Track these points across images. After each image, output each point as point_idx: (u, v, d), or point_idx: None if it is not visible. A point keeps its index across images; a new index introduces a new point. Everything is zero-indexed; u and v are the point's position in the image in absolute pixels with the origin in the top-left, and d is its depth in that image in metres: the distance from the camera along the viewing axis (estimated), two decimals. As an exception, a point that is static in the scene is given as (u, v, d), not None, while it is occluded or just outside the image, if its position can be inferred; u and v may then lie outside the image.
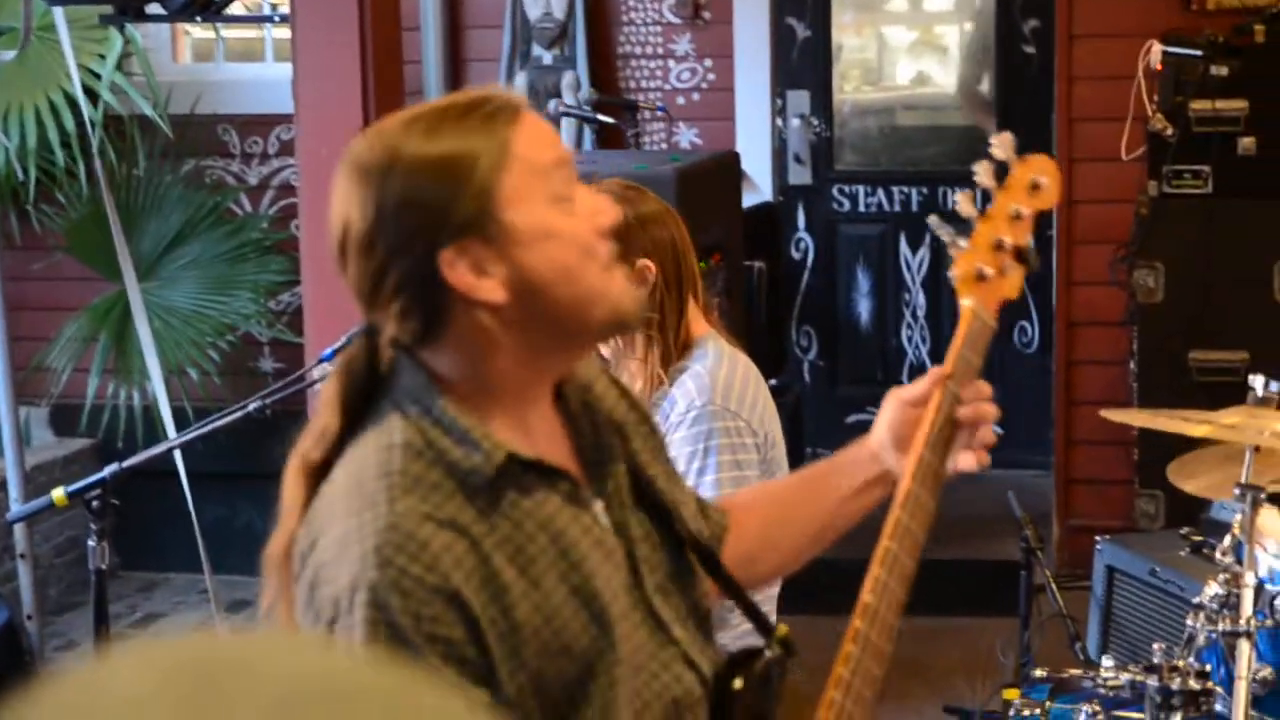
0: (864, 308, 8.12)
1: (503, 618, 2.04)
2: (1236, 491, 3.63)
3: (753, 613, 2.42)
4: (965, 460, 2.49)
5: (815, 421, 7.68)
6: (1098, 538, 5.14)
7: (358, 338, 2.17)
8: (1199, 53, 6.19)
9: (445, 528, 2.03)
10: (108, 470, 3.98)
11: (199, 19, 5.10)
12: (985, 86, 8.01)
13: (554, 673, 2.07)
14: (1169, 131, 6.23)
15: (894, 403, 2.54)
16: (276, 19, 7.01)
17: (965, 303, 2.49)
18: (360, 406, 2.14)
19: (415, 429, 2.08)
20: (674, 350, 3.65)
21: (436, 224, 2.06)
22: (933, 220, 2.56)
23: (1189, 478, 3.95)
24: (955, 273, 2.48)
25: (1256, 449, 3.61)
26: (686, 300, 3.69)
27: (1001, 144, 2.50)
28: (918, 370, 7.99)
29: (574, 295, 2.12)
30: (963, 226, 2.46)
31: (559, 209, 2.11)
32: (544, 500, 2.13)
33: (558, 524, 2.13)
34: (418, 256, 2.06)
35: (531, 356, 2.14)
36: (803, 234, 8.11)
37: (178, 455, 5.50)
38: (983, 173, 2.50)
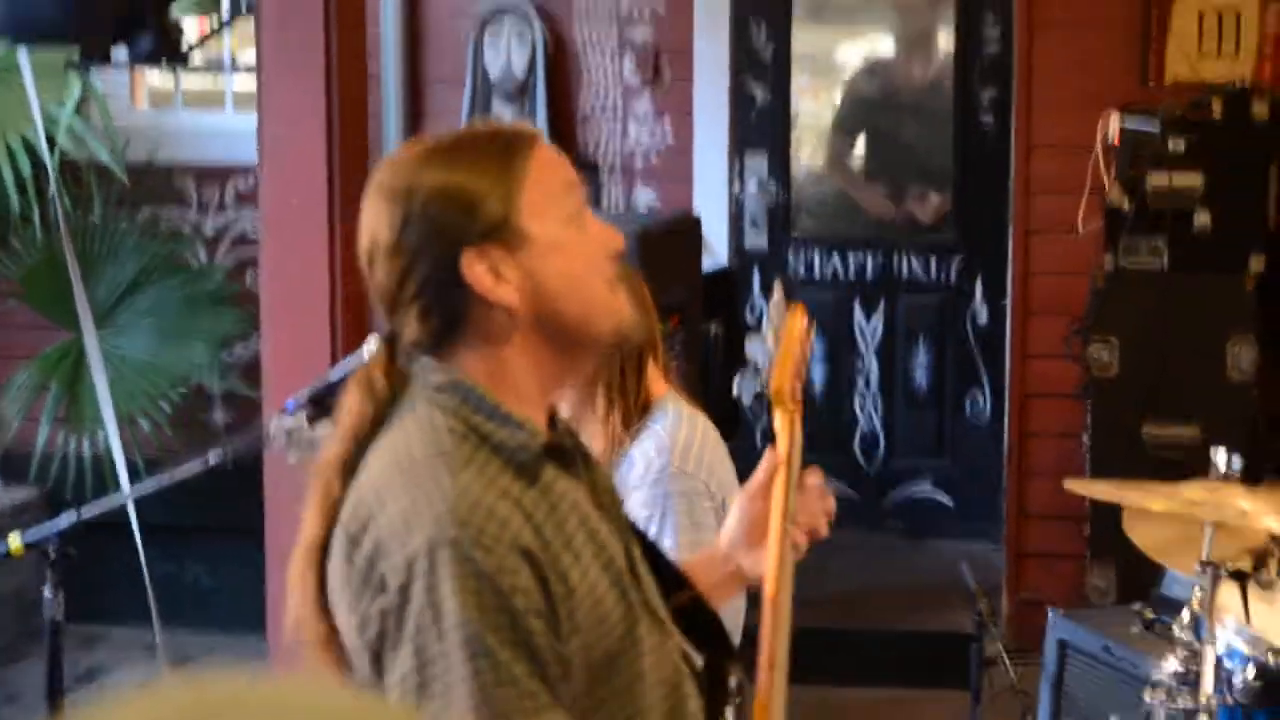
0: (817, 374, 8.13)
1: (560, 582, 2.16)
2: (1198, 568, 3.66)
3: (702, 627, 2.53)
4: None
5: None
6: (1049, 611, 5.15)
7: (379, 346, 2.32)
8: (1157, 126, 6.25)
9: (504, 498, 2.16)
10: (65, 520, 3.94)
11: (164, 66, 5.10)
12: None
13: (595, 641, 2.20)
14: (1125, 205, 6.28)
15: (740, 500, 2.70)
16: (242, 68, 7.03)
17: (782, 412, 2.68)
18: (383, 410, 2.27)
19: (455, 416, 2.22)
20: (634, 411, 3.66)
21: (460, 226, 2.22)
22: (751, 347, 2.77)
23: (1140, 529, 3.96)
24: (773, 387, 2.67)
25: (1217, 525, 3.64)
26: (647, 361, 3.70)
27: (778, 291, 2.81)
28: (869, 438, 8.00)
29: (581, 305, 2.29)
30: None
31: (572, 226, 2.29)
32: (570, 485, 2.28)
33: (583, 508, 2.27)
34: (440, 257, 2.22)
35: (541, 362, 2.29)
36: (758, 299, 8.13)
37: (130, 507, 5.47)
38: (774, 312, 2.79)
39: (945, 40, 8.01)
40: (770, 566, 2.55)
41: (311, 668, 2.28)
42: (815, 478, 2.70)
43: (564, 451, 2.31)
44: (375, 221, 2.26)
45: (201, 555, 7.30)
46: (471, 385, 2.23)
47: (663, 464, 3.57)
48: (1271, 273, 6.35)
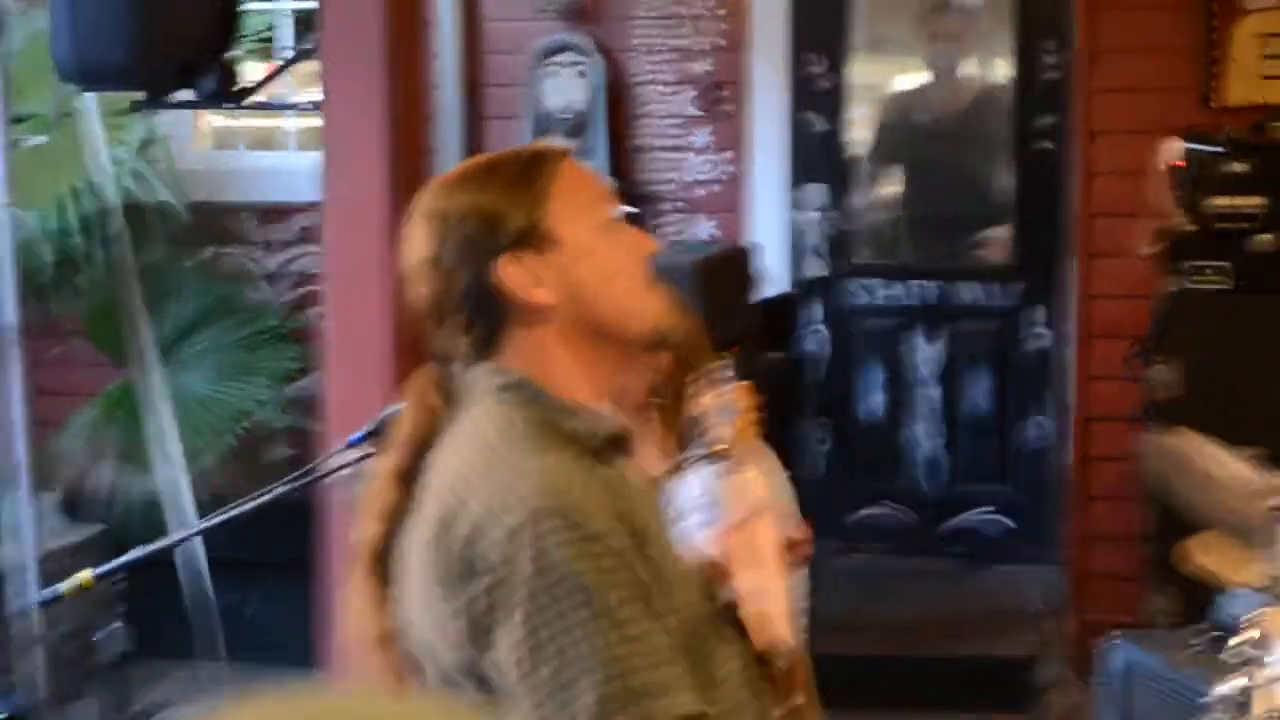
0: (878, 401, 8.13)
1: (641, 552, 2.23)
2: (1260, 584, 3.64)
3: None
4: None
5: (828, 515, 7.69)
6: (1111, 633, 5.14)
7: (429, 364, 2.43)
8: (1218, 149, 6.24)
9: (591, 475, 2.25)
10: (133, 554, 3.99)
11: (227, 106, 5.16)
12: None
13: (678, 623, 2.26)
14: (1188, 227, 6.27)
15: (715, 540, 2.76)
16: (308, 106, 7.08)
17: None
18: (439, 421, 2.37)
19: (526, 410, 2.31)
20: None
21: (492, 235, 2.33)
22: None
23: (1205, 554, 3.96)
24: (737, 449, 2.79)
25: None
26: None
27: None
28: (930, 465, 8.00)
29: (616, 306, 2.37)
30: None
31: (603, 232, 2.39)
32: (627, 475, 2.37)
33: (638, 496, 2.34)
34: (476, 267, 2.33)
35: (586, 361, 2.37)
36: (819, 326, 8.14)
37: (198, 543, 5.51)
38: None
39: (1004, 67, 8.02)
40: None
41: (369, 672, 2.34)
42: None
43: (627, 443, 2.40)
44: (414, 243, 2.39)
45: (262, 591, 7.32)
46: (535, 382, 2.32)
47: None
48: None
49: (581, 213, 2.36)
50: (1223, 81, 6.73)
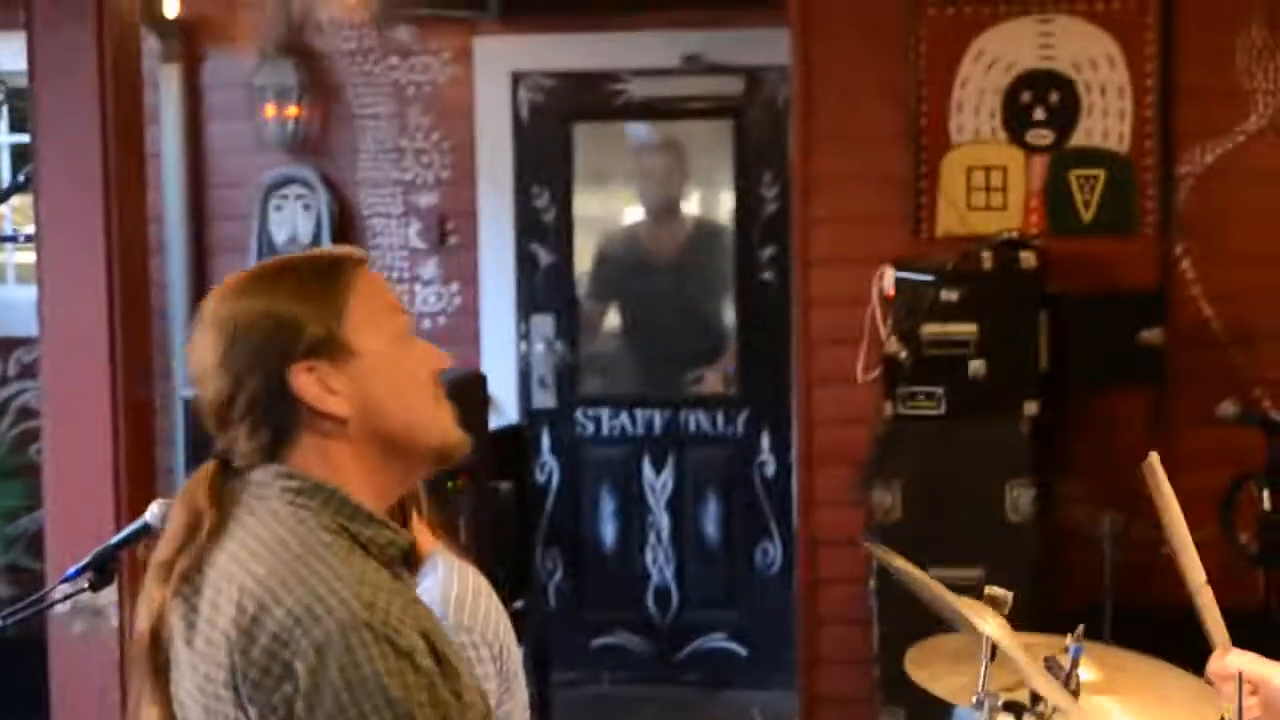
0: (609, 530, 8.18)
1: (442, 672, 2.19)
2: (974, 700, 3.72)
3: None
4: None
5: (562, 645, 7.70)
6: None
7: (210, 460, 2.35)
8: (930, 278, 6.41)
9: (392, 587, 2.21)
10: None
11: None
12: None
13: None
14: (903, 354, 6.41)
15: None
16: (21, 239, 7.00)
17: None
18: (216, 521, 2.29)
19: (321, 516, 2.26)
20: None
21: (286, 343, 2.28)
22: None
23: (923, 670, 4.02)
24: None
25: (993, 652, 3.70)
26: (411, 516, 3.71)
27: None
28: (662, 593, 8.05)
29: (407, 417, 2.33)
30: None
31: (397, 343, 2.34)
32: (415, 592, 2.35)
33: (431, 615, 2.29)
34: (268, 373, 2.28)
35: (373, 471, 2.33)
36: (547, 457, 8.18)
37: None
38: None
39: (726, 200, 8.19)
40: None
41: None
42: None
43: (415, 558, 2.39)
44: (201, 347, 2.32)
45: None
46: (334, 488, 2.27)
47: (441, 618, 3.56)
48: (1046, 416, 6.51)
49: (378, 324, 2.33)
50: (933, 213, 6.92)
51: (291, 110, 7.97)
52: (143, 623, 2.28)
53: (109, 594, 5.55)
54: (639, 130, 8.38)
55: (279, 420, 2.29)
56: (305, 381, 2.27)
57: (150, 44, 7.60)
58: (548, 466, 8.19)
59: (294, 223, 8.03)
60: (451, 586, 3.59)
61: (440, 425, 2.37)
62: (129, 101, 5.76)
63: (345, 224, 8.06)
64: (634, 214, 8.45)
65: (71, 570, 3.81)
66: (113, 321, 5.63)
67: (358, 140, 8.09)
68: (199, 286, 8.08)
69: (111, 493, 5.62)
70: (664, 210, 8.31)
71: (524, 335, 8.09)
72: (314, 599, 2.14)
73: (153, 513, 3.91)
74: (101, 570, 3.81)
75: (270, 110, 7.96)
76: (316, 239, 7.98)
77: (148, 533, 3.93)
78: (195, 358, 2.33)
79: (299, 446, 2.30)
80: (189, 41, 8.07)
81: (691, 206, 8.38)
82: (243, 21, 8.06)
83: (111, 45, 5.64)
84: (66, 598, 3.92)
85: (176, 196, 8.02)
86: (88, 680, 5.65)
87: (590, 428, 8.18)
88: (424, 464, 2.43)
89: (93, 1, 5.59)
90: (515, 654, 3.71)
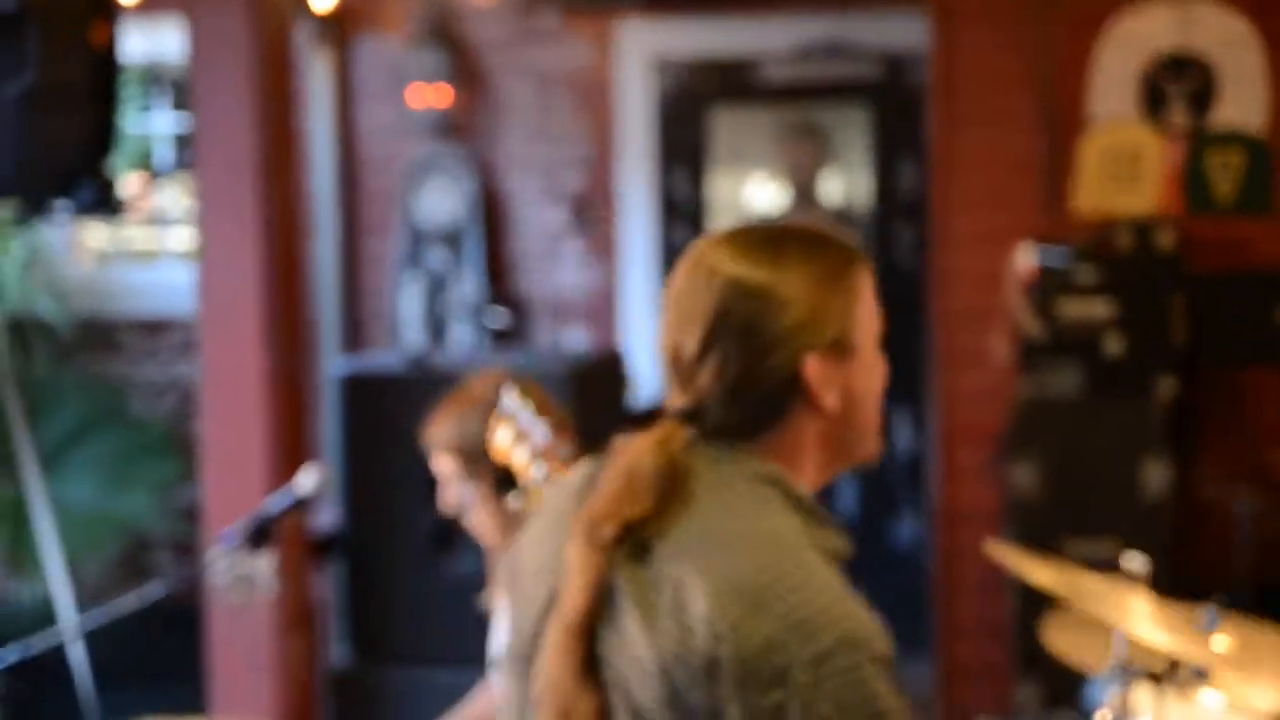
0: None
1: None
2: (1110, 670, 3.77)
3: None
4: None
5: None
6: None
7: (668, 421, 2.27)
8: (1067, 258, 6.43)
9: (857, 599, 2.18)
10: (13, 654, 4.01)
11: (104, 219, 5.23)
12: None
13: None
14: (1039, 333, 6.44)
15: None
16: (181, 222, 7.16)
17: None
18: (674, 487, 2.22)
19: (787, 515, 2.23)
20: None
21: (815, 328, 2.25)
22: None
23: (1060, 638, 4.07)
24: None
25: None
26: None
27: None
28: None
29: (866, 423, 2.33)
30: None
31: (876, 350, 2.35)
32: None
33: None
34: (790, 352, 2.25)
35: (818, 470, 2.32)
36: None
37: (79, 647, 5.52)
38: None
39: (866, 180, 8.23)
40: None
41: None
42: None
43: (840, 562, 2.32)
44: (729, 305, 2.27)
45: (149, 698, 7.31)
46: (794, 485, 2.25)
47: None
48: (1181, 395, 6.52)
49: (869, 326, 2.32)
50: (1069, 193, 6.94)
51: (439, 94, 8.09)
52: (579, 592, 2.19)
53: (265, 562, 5.71)
54: (780, 117, 8.43)
55: (773, 401, 2.26)
56: (816, 371, 2.25)
57: (302, 30, 7.75)
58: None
59: (441, 202, 8.15)
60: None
61: (877, 436, 2.36)
62: (281, 86, 5.91)
63: (490, 205, 8.17)
64: (770, 198, 8.50)
65: (230, 538, 3.94)
66: (267, 299, 5.78)
67: (502, 123, 8.20)
68: (349, 265, 8.23)
69: (265, 465, 5.76)
70: (805, 194, 8.35)
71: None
72: (812, 608, 2.11)
73: (306, 480, 4.05)
74: (258, 536, 3.93)
75: (418, 94, 8.09)
76: (464, 218, 8.10)
77: (301, 500, 4.07)
78: (714, 311, 2.26)
79: (775, 431, 2.27)
80: (340, 26, 8.22)
81: (829, 190, 8.42)
82: (391, 9, 8.20)
83: (265, 31, 5.78)
84: (225, 565, 4.05)
85: (327, 178, 8.17)
86: (242, 648, 5.80)
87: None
88: (850, 467, 2.40)
89: (248, -10, 5.74)
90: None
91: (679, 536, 2.18)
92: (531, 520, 2.38)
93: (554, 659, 2.19)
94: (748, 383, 2.24)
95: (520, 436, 2.92)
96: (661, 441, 2.23)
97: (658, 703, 2.12)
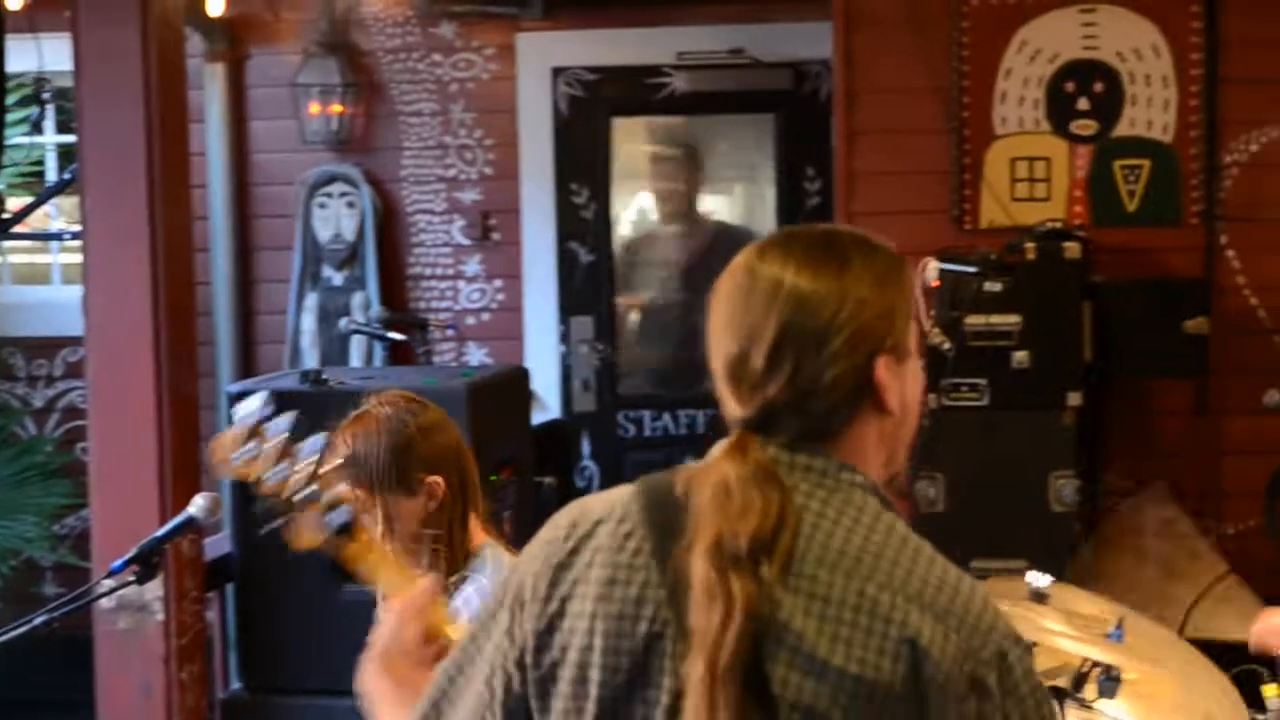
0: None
1: None
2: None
3: None
4: None
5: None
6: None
7: (742, 433, 2.23)
8: (973, 269, 6.41)
9: None
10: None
11: (-13, 237, 5.13)
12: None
13: None
14: (946, 345, 6.42)
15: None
16: (67, 237, 7.05)
17: None
18: (787, 500, 2.19)
19: (889, 512, 2.22)
20: (458, 561, 3.69)
21: (884, 330, 2.23)
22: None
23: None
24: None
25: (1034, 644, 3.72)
26: (469, 510, 3.74)
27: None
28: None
29: (913, 427, 2.32)
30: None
31: (918, 356, 2.33)
32: None
33: None
34: (867, 354, 2.22)
35: (880, 472, 2.27)
36: (588, 462, 8.16)
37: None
38: None
39: (769, 196, 8.19)
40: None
41: None
42: None
43: None
44: (798, 316, 2.24)
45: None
46: (881, 490, 2.24)
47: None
48: (1089, 406, 6.52)
49: (914, 330, 2.32)
50: (976, 205, 6.94)
51: (335, 108, 8.01)
52: (733, 622, 2.09)
53: (154, 589, 5.61)
54: (685, 129, 8.39)
55: (846, 405, 2.23)
56: (884, 373, 2.23)
57: (194, 43, 7.66)
58: (588, 471, 8.17)
59: (338, 220, 8.07)
60: (499, 579, 3.63)
61: (912, 442, 2.36)
62: (173, 100, 5.82)
63: (389, 220, 8.10)
64: (675, 210, 8.46)
65: (117, 564, 3.84)
66: (157, 319, 5.68)
67: (401, 137, 8.13)
68: (243, 283, 8.14)
69: (157, 489, 5.67)
70: (681, 216, 8.31)
71: (564, 337, 8.08)
72: (975, 608, 2.12)
73: (197, 505, 3.96)
74: (147, 564, 3.84)
75: (314, 108, 8.01)
76: (360, 236, 8.03)
77: (192, 526, 3.98)
78: (744, 319, 2.26)
79: (845, 436, 2.24)
80: (233, 40, 8.13)
81: (729, 203, 8.39)
82: (286, 20, 8.12)
83: (155, 45, 5.69)
84: (112, 591, 3.96)
85: (220, 195, 8.07)
86: (133, 676, 5.71)
87: (631, 430, 8.15)
88: (892, 475, 2.36)
89: (136, 2, 5.65)
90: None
91: (818, 551, 2.14)
92: (552, 577, 2.22)
93: (704, 698, 2.08)
94: (822, 389, 2.21)
95: (264, 452, 2.75)
96: (743, 452, 2.20)
97: None
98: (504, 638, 2.24)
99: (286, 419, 2.77)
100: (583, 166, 8.14)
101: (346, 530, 2.58)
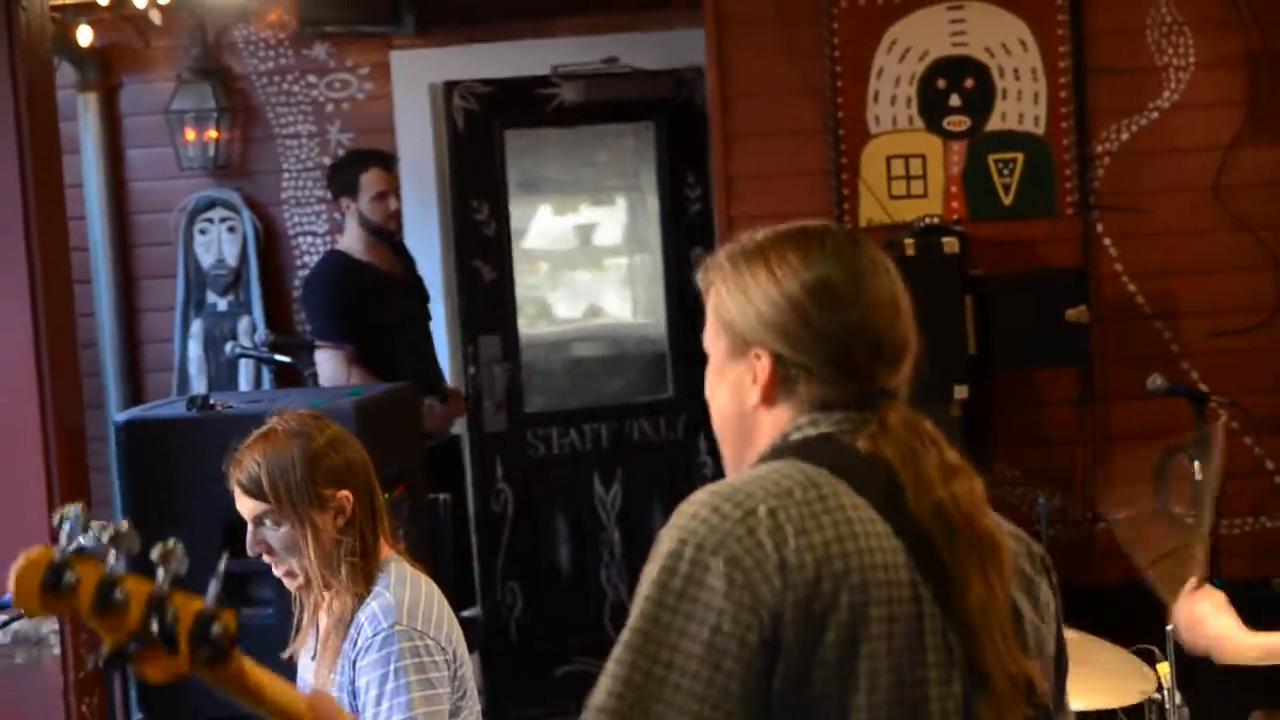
0: (564, 554, 8.11)
1: None
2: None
3: None
4: None
5: (526, 679, 7.78)
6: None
7: (888, 404, 2.39)
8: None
9: None
10: None
11: None
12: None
13: None
14: (831, 345, 6.49)
15: None
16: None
17: None
18: None
19: None
20: (372, 574, 3.72)
21: None
22: None
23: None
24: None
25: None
26: (381, 522, 3.78)
27: None
28: (618, 610, 8.03)
29: None
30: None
31: None
32: None
33: None
34: None
35: None
36: (501, 485, 8.12)
37: None
38: None
39: (653, 204, 8.24)
40: None
41: None
42: None
43: None
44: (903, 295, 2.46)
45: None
46: None
47: (390, 623, 3.61)
48: (975, 399, 6.60)
49: None
50: (854, 203, 7.03)
51: (211, 133, 8.01)
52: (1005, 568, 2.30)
53: (49, 623, 5.60)
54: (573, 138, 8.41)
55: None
56: None
57: (65, 73, 7.64)
58: (501, 492, 8.11)
59: (219, 245, 8.07)
60: (403, 593, 3.67)
61: None
62: (45, 131, 5.82)
63: (271, 244, 8.11)
64: (564, 221, 8.49)
65: (6, 597, 3.84)
66: (39, 352, 5.67)
67: (280, 160, 8.14)
68: (127, 313, 8.12)
69: (47, 522, 5.65)
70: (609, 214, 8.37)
71: (474, 357, 8.04)
72: None
73: (88, 534, 3.96)
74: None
75: (190, 134, 8.01)
76: (243, 260, 8.03)
77: (82, 554, 3.98)
78: (894, 300, 2.42)
79: None
80: (105, 69, 8.11)
81: (612, 213, 8.44)
82: (158, 47, 8.11)
83: (24, 77, 5.68)
84: (4, 623, 3.96)
85: (99, 225, 8.06)
86: (32, 710, 5.69)
87: (541, 448, 8.13)
88: None
89: (4, 32, 5.63)
90: (468, 662, 3.79)
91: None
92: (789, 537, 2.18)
93: (1008, 643, 2.25)
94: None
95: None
96: (913, 421, 2.40)
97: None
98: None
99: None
100: (475, 179, 8.10)
101: (223, 651, 2.01)
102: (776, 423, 2.33)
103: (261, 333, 7.84)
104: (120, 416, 6.50)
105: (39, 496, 5.70)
